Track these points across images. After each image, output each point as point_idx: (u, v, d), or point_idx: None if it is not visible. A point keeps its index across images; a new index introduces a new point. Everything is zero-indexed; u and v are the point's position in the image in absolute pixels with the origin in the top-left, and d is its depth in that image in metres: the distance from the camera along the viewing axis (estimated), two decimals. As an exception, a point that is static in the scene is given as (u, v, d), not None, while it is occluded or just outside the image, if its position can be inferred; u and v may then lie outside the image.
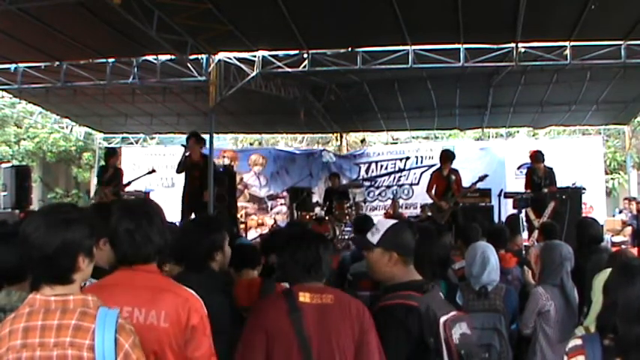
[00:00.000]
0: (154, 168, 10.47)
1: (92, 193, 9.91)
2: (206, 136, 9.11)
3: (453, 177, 9.11)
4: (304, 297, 2.32)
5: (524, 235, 7.65)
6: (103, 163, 10.55)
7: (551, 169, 9.16)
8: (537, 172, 9.08)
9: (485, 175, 9.17)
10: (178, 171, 8.76)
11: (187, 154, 8.58)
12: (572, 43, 8.50)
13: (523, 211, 8.33)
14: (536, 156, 9.12)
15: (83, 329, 1.67)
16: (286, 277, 2.54)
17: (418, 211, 12.80)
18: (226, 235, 2.80)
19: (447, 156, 9.33)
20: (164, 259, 2.95)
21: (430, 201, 9.59)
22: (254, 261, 3.49)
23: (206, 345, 2.03)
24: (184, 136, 9.03)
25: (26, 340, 1.66)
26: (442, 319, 2.23)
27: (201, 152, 8.69)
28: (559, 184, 9.06)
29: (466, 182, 9.38)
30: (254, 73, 9.41)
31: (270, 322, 2.29)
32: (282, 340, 2.25)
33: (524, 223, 7.83)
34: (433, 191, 9.31)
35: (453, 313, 2.34)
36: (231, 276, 3.73)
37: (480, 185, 9.61)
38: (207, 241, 2.70)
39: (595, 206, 13.13)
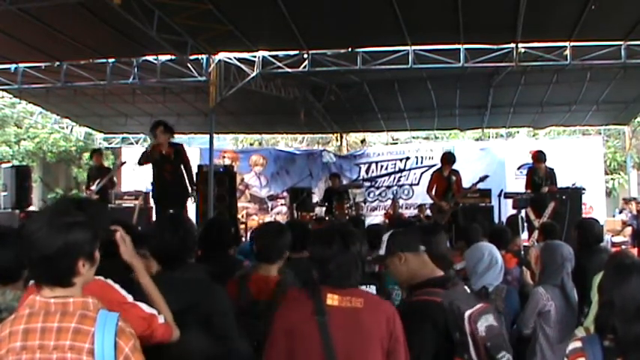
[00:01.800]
0: (124, 160, 10.24)
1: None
2: (206, 136, 9.10)
3: (454, 178, 9.05)
4: (332, 299, 2.21)
5: (524, 235, 7.65)
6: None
7: (552, 169, 9.16)
8: (538, 172, 9.07)
9: (486, 176, 9.14)
10: (140, 163, 7.57)
11: (153, 144, 7.51)
12: (573, 44, 8.51)
13: (523, 211, 8.32)
14: (538, 156, 9.10)
15: (83, 332, 1.65)
16: (321, 279, 2.38)
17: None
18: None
19: (448, 159, 9.27)
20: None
21: (429, 201, 9.58)
22: (272, 256, 3.14)
23: (134, 315, 2.01)
24: (184, 137, 8.89)
25: (26, 342, 1.65)
26: (467, 313, 2.26)
27: (170, 143, 7.61)
28: (559, 185, 9.06)
29: (466, 182, 9.36)
30: (254, 74, 9.42)
31: (296, 324, 2.21)
32: (306, 343, 2.17)
33: (524, 224, 7.83)
34: (433, 192, 9.28)
35: (478, 306, 2.34)
36: (240, 266, 3.67)
37: (480, 185, 9.62)
38: (190, 235, 2.66)
39: (595, 206, 13.13)
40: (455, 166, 9.31)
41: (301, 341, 2.18)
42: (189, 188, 7.54)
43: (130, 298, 2.10)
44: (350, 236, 2.35)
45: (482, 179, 9.05)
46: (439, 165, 9.53)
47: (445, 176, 9.13)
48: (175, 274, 2.54)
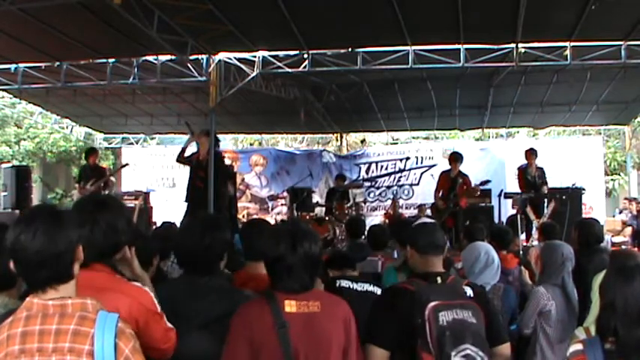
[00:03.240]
0: (126, 162, 10.24)
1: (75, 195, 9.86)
2: (206, 137, 9.08)
3: (460, 180, 8.94)
4: (290, 306, 2.18)
5: (523, 235, 7.65)
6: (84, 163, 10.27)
7: (542, 168, 9.17)
8: (530, 171, 9.10)
9: (488, 181, 9.00)
10: (179, 160, 7.93)
11: (196, 149, 7.77)
12: (573, 44, 8.50)
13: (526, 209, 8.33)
14: (532, 152, 9.15)
15: (82, 334, 1.64)
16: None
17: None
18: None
19: (455, 158, 9.18)
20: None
21: (429, 202, 9.58)
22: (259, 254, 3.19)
23: (157, 328, 2.01)
24: (184, 137, 8.84)
25: (24, 345, 1.63)
26: (432, 303, 2.34)
27: (216, 152, 7.89)
28: (559, 185, 9.06)
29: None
30: (254, 74, 9.41)
31: (255, 334, 2.16)
32: (267, 353, 2.15)
33: (524, 223, 7.82)
34: (440, 193, 9.13)
35: (453, 301, 2.39)
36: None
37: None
38: (218, 241, 2.58)
39: (595, 207, 13.13)
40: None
41: (263, 351, 2.15)
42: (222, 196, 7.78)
43: (159, 308, 2.09)
44: (298, 236, 2.27)
45: (483, 183, 8.98)
46: (447, 166, 9.41)
47: (452, 177, 9.03)
48: (201, 281, 2.51)
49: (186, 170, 8.04)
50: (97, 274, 2.03)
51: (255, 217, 14.46)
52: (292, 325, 2.15)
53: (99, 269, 2.05)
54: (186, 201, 7.81)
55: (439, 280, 2.62)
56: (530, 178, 9.05)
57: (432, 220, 3.37)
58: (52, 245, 1.67)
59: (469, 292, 2.65)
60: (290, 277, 2.22)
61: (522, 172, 9.32)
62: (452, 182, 9.00)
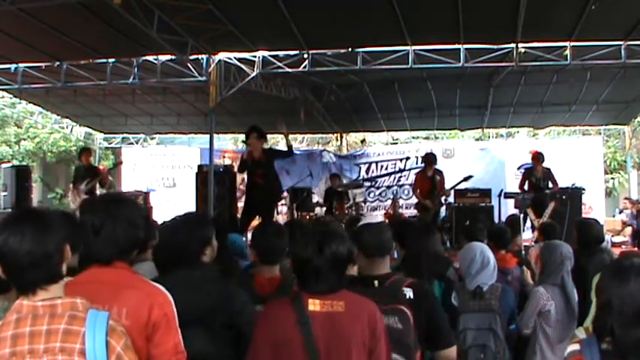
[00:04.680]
0: (121, 160, 10.23)
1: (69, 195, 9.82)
2: (206, 136, 9.10)
3: (437, 177, 9.46)
4: (314, 305, 2.18)
5: (526, 235, 7.67)
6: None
7: (549, 169, 9.21)
8: (536, 173, 9.13)
9: (470, 176, 9.46)
10: (240, 171, 8.17)
11: (248, 151, 7.72)
12: (573, 44, 8.50)
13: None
14: (539, 157, 9.21)
15: (73, 333, 1.63)
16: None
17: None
18: (214, 229, 2.75)
19: (430, 160, 9.74)
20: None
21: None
22: (272, 258, 3.16)
23: (169, 342, 1.96)
24: (185, 136, 8.87)
25: (15, 347, 1.62)
26: None
27: (263, 148, 7.84)
28: (559, 185, 9.07)
29: (472, 182, 9.53)
30: (254, 74, 9.42)
31: (279, 333, 2.18)
32: (290, 352, 2.15)
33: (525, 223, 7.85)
34: (418, 192, 9.68)
35: (382, 306, 2.34)
36: (239, 266, 3.69)
37: (480, 185, 9.65)
38: (198, 236, 2.64)
39: (594, 206, 13.11)
40: (455, 166, 9.42)
41: (285, 350, 2.15)
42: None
43: (177, 320, 2.05)
44: (326, 237, 2.25)
45: (465, 179, 9.25)
46: (423, 166, 9.97)
47: (429, 176, 9.52)
48: (196, 274, 2.55)
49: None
50: (118, 271, 2.03)
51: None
52: (315, 323, 2.14)
53: (119, 266, 2.04)
54: (245, 202, 7.99)
55: (376, 283, 2.58)
56: (536, 180, 9.09)
57: (380, 220, 3.19)
58: (42, 246, 1.67)
59: (409, 294, 2.61)
60: (317, 279, 2.21)
61: (527, 173, 9.36)
62: (430, 181, 9.47)
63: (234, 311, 2.52)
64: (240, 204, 13.93)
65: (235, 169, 9.99)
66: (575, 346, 1.93)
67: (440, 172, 9.56)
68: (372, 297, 2.33)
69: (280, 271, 3.15)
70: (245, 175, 8.14)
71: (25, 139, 20.59)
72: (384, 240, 2.69)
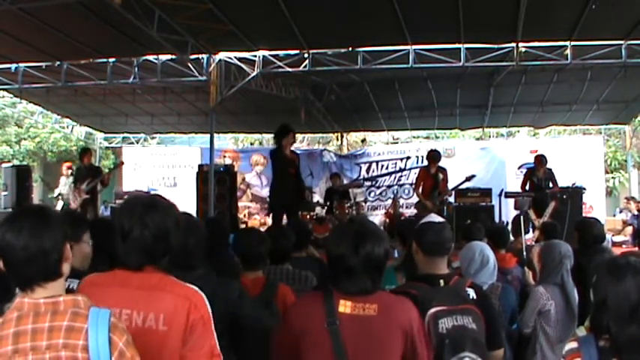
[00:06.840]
0: (122, 160, 10.20)
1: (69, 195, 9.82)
2: (207, 136, 9.10)
3: (441, 176, 9.21)
4: (344, 306, 2.09)
5: (527, 235, 7.67)
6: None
7: (551, 169, 9.20)
8: (537, 174, 9.12)
9: (473, 176, 9.32)
10: (280, 163, 7.99)
11: (285, 145, 7.89)
12: (573, 43, 8.50)
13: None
14: (542, 159, 9.18)
15: (76, 330, 1.64)
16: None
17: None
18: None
19: (434, 157, 9.43)
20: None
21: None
22: (255, 264, 3.26)
23: (205, 345, 1.93)
24: (185, 136, 8.89)
25: (17, 345, 1.62)
26: (433, 309, 2.33)
27: (291, 149, 8.08)
28: (559, 184, 9.07)
29: (467, 183, 9.44)
30: (254, 73, 9.42)
31: (307, 328, 2.13)
32: (318, 350, 2.10)
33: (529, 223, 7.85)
34: (420, 189, 9.41)
35: (454, 306, 2.36)
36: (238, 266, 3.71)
37: (480, 185, 9.62)
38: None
39: (595, 206, 13.11)
40: (455, 166, 9.37)
41: (313, 348, 2.11)
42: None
43: (213, 322, 2.02)
44: (362, 236, 2.15)
45: (468, 179, 9.15)
46: (426, 163, 9.75)
47: (432, 173, 9.28)
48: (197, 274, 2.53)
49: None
50: (150, 275, 1.98)
51: (256, 216, 14.47)
52: (344, 326, 2.08)
53: (150, 271, 1.99)
54: (275, 198, 7.95)
55: (442, 283, 2.57)
56: (537, 180, 9.08)
57: (441, 219, 3.19)
58: (37, 241, 1.67)
59: (472, 294, 2.61)
60: (349, 279, 2.12)
61: (529, 173, 9.34)
62: (433, 179, 9.21)
63: (241, 312, 2.55)
64: (241, 203, 14.01)
65: (236, 169, 9.99)
66: (573, 344, 1.94)
67: (444, 170, 9.31)
68: (440, 296, 2.35)
69: (262, 271, 3.29)
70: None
71: (25, 139, 20.60)
72: (445, 239, 2.66)
